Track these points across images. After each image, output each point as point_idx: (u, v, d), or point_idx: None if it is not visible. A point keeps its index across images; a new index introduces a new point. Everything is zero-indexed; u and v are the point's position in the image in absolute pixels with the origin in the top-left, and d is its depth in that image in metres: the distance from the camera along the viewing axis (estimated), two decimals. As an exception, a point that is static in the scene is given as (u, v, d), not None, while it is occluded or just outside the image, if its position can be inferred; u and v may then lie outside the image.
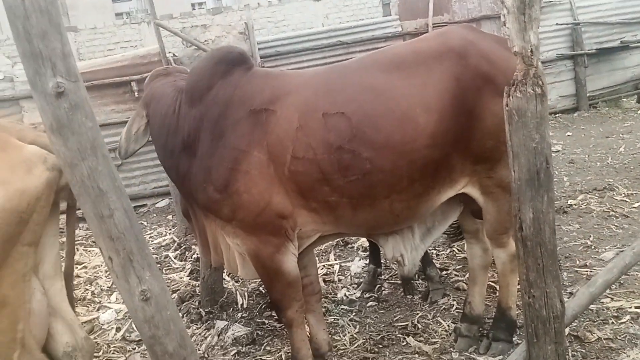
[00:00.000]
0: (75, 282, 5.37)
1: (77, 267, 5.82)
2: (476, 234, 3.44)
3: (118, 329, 4.38)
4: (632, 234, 4.82)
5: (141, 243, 1.67)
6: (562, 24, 10.26)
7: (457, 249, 5.02)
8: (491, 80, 2.81)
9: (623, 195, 5.76)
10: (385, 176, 2.76)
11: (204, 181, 2.86)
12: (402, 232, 3.17)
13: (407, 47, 3.00)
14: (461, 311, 3.94)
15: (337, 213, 2.87)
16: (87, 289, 5.24)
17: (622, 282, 4.01)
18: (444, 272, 4.54)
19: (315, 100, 2.80)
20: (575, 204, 5.70)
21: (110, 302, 4.91)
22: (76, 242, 6.72)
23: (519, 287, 3.81)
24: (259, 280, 3.95)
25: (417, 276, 4.50)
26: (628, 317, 3.49)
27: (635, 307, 3.58)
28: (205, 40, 8.09)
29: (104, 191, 1.62)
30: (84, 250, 6.38)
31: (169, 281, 5.17)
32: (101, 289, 5.23)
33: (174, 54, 7.84)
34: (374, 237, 3.24)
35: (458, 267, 4.68)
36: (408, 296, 4.23)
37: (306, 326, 3.39)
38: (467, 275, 4.44)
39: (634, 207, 5.40)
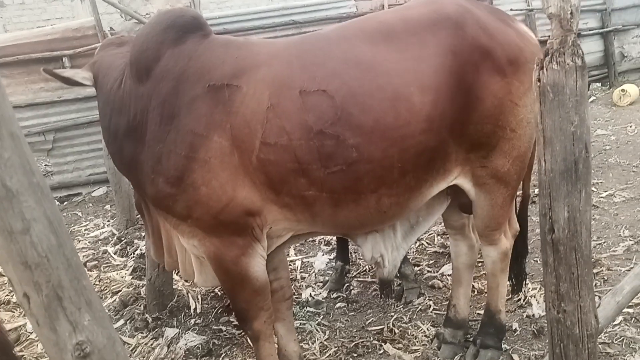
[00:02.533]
0: (-3, 283, 4.73)
1: (0, 265, 5.15)
2: (462, 229, 3.09)
3: (49, 339, 3.79)
4: (605, 225, 4.63)
5: (75, 270, 1.09)
6: (516, 9, 10.12)
7: (427, 242, 4.69)
8: (490, 55, 2.44)
9: (589, 184, 5.58)
10: (374, 167, 2.33)
11: (153, 172, 2.35)
12: (382, 230, 2.77)
13: (396, 15, 2.56)
14: (439, 312, 3.62)
15: (314, 210, 2.43)
16: (11, 291, 4.57)
17: (605, 277, 3.78)
18: (416, 269, 4.18)
19: (290, 75, 2.33)
20: (542, 194, 5.48)
21: (39, 307, 4.29)
22: None
23: (540, 293, 3.54)
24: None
25: (388, 274, 4.13)
26: (621, 317, 3.23)
27: (627, 307, 3.33)
28: (147, 14, 7.40)
29: (14, 192, 1.01)
30: (9, 245, 5.67)
31: (108, 281, 4.60)
32: (29, 291, 4.59)
33: (111, 28, 7.13)
34: (351, 236, 2.82)
35: (430, 262, 4.34)
36: (390, 300, 3.83)
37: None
38: (441, 272, 4.12)
39: (602, 197, 5.23)
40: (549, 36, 6.87)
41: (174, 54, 2.40)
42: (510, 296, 3.67)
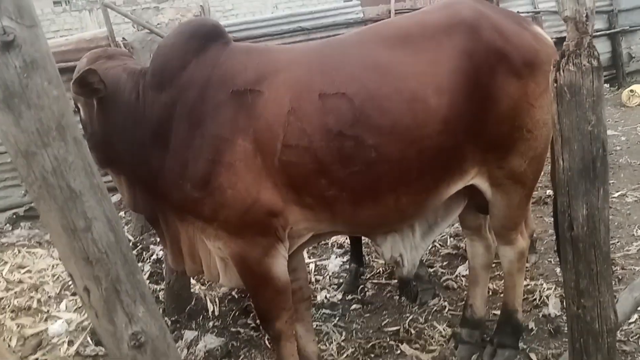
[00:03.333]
0: (18, 289, 4.80)
1: (20, 272, 5.23)
2: (478, 230, 3.13)
3: (70, 343, 3.85)
4: (618, 224, 4.64)
5: (131, 266, 1.16)
6: (523, 12, 10.15)
7: (440, 244, 4.73)
8: (505, 57, 2.50)
9: (600, 185, 5.61)
10: (392, 167, 2.40)
11: (180, 177, 2.41)
12: (401, 230, 2.82)
13: (412, 20, 2.63)
14: (455, 313, 3.65)
15: (334, 209, 2.49)
16: (32, 297, 4.66)
17: (620, 277, 3.81)
18: (431, 270, 4.23)
19: (310, 79, 2.40)
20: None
21: (59, 312, 4.36)
22: (18, 243, 6.14)
23: (555, 293, 3.59)
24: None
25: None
26: (636, 316, 3.25)
27: (643, 305, 3.36)
28: (158, 24, 7.52)
29: (78, 192, 1.10)
30: (27, 252, 5.75)
31: (126, 286, 4.66)
32: (49, 297, 4.65)
33: (123, 38, 7.23)
34: (370, 236, 2.88)
35: (444, 263, 4.38)
36: (405, 301, 3.86)
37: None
38: (456, 273, 4.16)
39: (614, 198, 5.24)
40: (556, 38, 6.85)
41: (199, 63, 2.46)
42: (526, 296, 3.72)
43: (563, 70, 1.77)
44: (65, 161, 1.07)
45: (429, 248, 4.68)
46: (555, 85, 1.80)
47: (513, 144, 2.59)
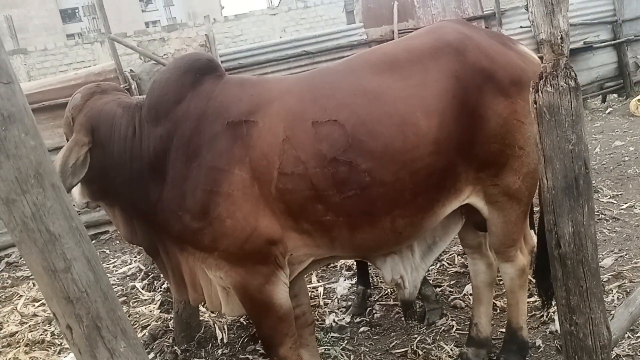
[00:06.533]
0: (32, 323, 4.87)
1: (34, 305, 5.30)
2: (479, 248, 3.15)
3: (83, 375, 3.89)
4: (626, 237, 4.61)
5: (111, 303, 1.24)
6: (525, 27, 10.19)
7: (447, 263, 4.72)
8: (492, 77, 2.55)
9: (608, 197, 5.58)
10: (387, 189, 2.45)
11: (179, 208, 2.47)
12: (400, 251, 2.86)
13: (399, 45, 2.70)
14: (463, 332, 3.65)
15: (332, 234, 2.54)
16: (45, 330, 4.71)
17: (628, 290, 3.78)
18: (438, 289, 4.23)
19: (302, 108, 2.47)
20: (562, 208, 5.47)
21: (72, 344, 4.40)
22: (32, 277, 6.21)
23: (552, 312, 3.57)
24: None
25: (410, 296, 4.17)
26: (644, 328, 3.23)
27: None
28: (164, 54, 7.67)
29: (57, 235, 1.16)
30: (41, 285, 5.82)
31: (137, 315, 4.71)
32: (62, 329, 4.71)
33: (131, 70, 7.39)
34: (370, 259, 2.91)
35: (452, 282, 4.37)
36: (413, 322, 3.87)
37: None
38: (463, 292, 4.15)
39: (622, 209, 5.21)
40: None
41: (194, 96, 2.54)
42: (533, 312, 3.70)
43: (541, 92, 1.81)
44: (44, 206, 1.15)
45: (437, 267, 4.69)
46: (534, 106, 1.84)
47: (505, 161, 2.62)
